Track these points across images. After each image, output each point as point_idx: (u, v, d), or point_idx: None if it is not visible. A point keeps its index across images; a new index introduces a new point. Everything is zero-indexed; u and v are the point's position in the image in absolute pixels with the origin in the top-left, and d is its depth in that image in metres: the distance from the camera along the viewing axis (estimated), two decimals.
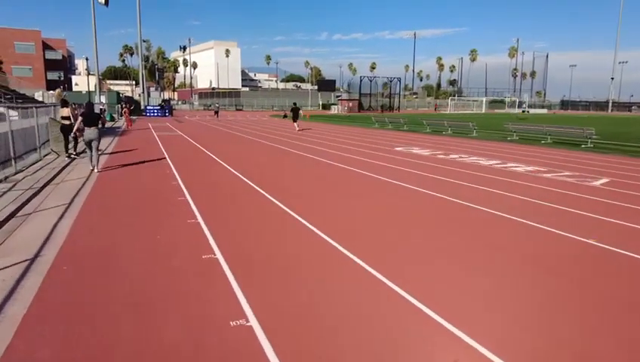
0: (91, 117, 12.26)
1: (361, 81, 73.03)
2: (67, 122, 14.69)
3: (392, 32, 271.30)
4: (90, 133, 12.02)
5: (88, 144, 12.25)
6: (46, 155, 14.59)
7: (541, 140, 22.21)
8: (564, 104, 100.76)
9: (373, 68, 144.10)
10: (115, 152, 16.36)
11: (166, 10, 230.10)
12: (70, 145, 14.94)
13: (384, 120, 33.04)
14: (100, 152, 14.54)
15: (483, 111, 71.69)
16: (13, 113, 22.40)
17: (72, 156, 14.83)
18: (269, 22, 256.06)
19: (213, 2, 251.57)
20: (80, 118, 13.11)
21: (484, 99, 75.90)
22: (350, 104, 76.22)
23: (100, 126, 12.80)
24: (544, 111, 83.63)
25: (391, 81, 75.18)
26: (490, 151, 17.83)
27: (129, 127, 29.20)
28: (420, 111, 78.60)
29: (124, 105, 30.35)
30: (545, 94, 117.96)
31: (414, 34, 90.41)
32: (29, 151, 13.34)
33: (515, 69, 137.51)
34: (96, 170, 12.12)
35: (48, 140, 14.88)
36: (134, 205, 8.22)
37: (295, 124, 27.31)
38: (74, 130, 13.85)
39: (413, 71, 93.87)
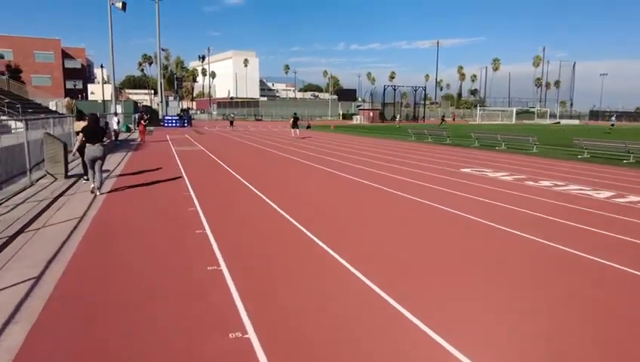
0: (94, 132, 10.18)
1: (384, 90, 69.83)
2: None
3: (409, 42, 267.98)
4: (93, 150, 10.04)
5: (91, 163, 10.20)
6: (40, 179, 11.67)
7: (622, 159, 18.68)
8: (594, 114, 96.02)
9: (392, 77, 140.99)
10: (124, 174, 13.40)
11: (186, 20, 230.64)
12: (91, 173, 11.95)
13: (423, 132, 29.74)
14: (107, 174, 11.66)
15: (513, 122, 67.79)
16: (18, 125, 19.51)
17: (85, 179, 12.00)
18: (286, 33, 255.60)
19: (232, 13, 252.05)
20: (80, 135, 10.36)
21: (513, 109, 71.97)
22: (371, 114, 73.19)
23: (104, 141, 10.32)
24: (576, 122, 79.28)
25: (415, 90, 71.85)
26: (587, 175, 14.42)
27: (143, 141, 26.44)
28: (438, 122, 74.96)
29: (140, 117, 27.49)
30: (572, 104, 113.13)
31: (437, 42, 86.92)
32: (15, 176, 10.40)
33: (539, 79, 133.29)
34: (98, 193, 10.11)
35: (43, 160, 11.94)
36: (139, 259, 5.11)
37: (294, 130, 30.46)
38: (73, 150, 11.05)
39: (436, 80, 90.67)
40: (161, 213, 8.40)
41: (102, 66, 48.54)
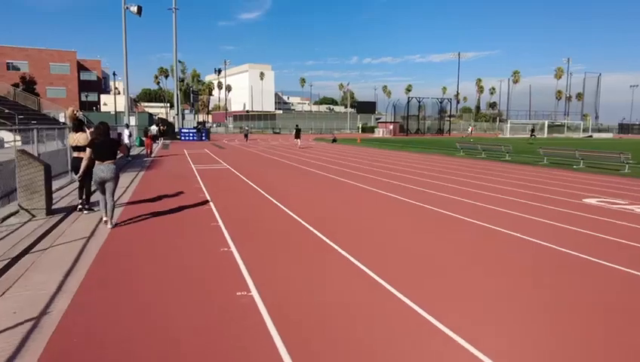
0: (105, 146, 7.63)
1: (408, 101, 65.97)
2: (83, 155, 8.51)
3: (422, 56, 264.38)
4: (103, 170, 7.51)
5: (100, 187, 7.64)
6: (9, 216, 7.93)
7: None
8: (624, 128, 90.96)
9: (408, 90, 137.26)
10: (133, 202, 9.59)
11: (201, 35, 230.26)
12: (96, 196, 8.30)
13: (476, 147, 25.69)
14: (115, 200, 8.00)
15: (545, 135, 63.33)
16: (12, 137, 15.76)
17: (85, 209, 8.93)
18: (300, 47, 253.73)
19: (246, 28, 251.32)
20: (89, 150, 7.78)
21: (545, 122, 67.45)
22: (391, 127, 69.32)
23: (118, 156, 7.76)
24: (609, 135, 74.48)
25: (441, 102, 67.89)
26: None
27: (149, 155, 22.89)
28: (464, 135, 70.69)
29: (145, 130, 23.86)
30: (597, 117, 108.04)
31: (458, 54, 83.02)
32: None
33: (560, 91, 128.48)
34: (110, 226, 7.70)
35: (14, 190, 8.21)
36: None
37: (297, 140, 33.25)
38: (81, 170, 8.14)
39: (457, 92, 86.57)
40: (185, 268, 4.54)
41: (114, 74, 45.41)
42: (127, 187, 12.38)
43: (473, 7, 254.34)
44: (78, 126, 9.16)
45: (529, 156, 24.49)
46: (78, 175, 8.51)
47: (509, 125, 64.61)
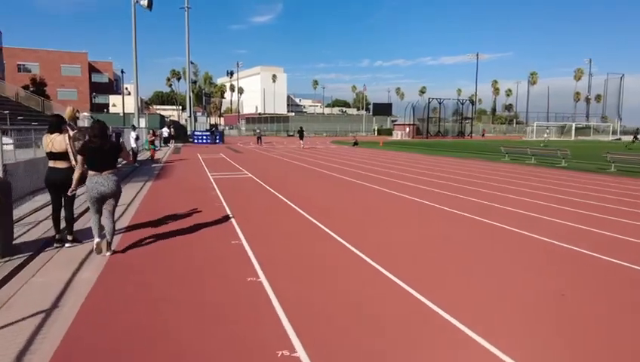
0: (102, 151, 5.60)
1: (429, 103, 62.80)
2: (62, 165, 6.20)
3: (434, 58, 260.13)
4: (102, 183, 5.54)
5: (97, 204, 5.66)
6: None
7: None
8: None
9: (422, 92, 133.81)
10: (135, 226, 6.71)
11: (212, 38, 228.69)
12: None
13: (525, 151, 22.56)
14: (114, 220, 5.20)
15: (572, 138, 59.77)
16: (6, 140, 12.97)
17: (67, 241, 6.28)
18: (311, 50, 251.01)
19: (258, 31, 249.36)
20: (80, 158, 5.69)
21: (572, 124, 63.83)
22: (407, 129, 66.35)
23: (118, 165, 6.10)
24: None
25: (462, 104, 64.63)
26: None
27: (152, 158, 20.30)
28: (490, 137, 67.35)
29: (153, 133, 21.17)
30: (620, 119, 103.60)
31: (477, 55, 79.70)
32: None
33: (578, 93, 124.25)
34: (108, 254, 5.66)
35: None
36: None
37: (301, 141, 34.95)
38: (74, 184, 5.78)
39: (476, 94, 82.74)
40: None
41: (122, 72, 42.90)
42: (130, 203, 9.58)
43: (485, 9, 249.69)
44: (55, 125, 6.34)
45: (589, 162, 21.35)
46: (70, 190, 5.82)
47: (535, 127, 61.03)
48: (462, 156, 26.28)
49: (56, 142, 6.09)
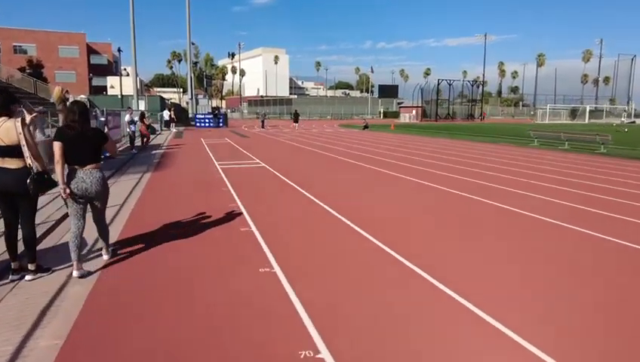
0: (83, 140, 4.37)
1: (438, 84, 60.26)
2: (14, 164, 4.15)
3: (437, 40, 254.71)
4: (85, 179, 4.35)
5: (79, 207, 4.44)
6: None
7: None
8: None
9: (427, 74, 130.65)
10: (129, 239, 4.78)
11: (214, 19, 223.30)
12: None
13: (558, 136, 20.42)
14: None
15: (586, 121, 57.36)
16: None
17: (28, 271, 4.33)
18: (313, 32, 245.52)
19: (259, 13, 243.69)
20: (58, 147, 4.22)
21: (586, 107, 61.27)
22: (413, 112, 64.05)
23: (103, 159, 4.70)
24: None
25: (472, 85, 62.09)
26: None
27: (144, 145, 18.29)
28: (498, 120, 65.02)
29: (142, 115, 19.05)
30: (628, 102, 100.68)
31: (485, 36, 76.50)
32: None
33: (586, 75, 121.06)
34: (106, 257, 4.81)
35: None
36: None
37: (295, 125, 35.68)
38: (60, 185, 4.25)
39: (483, 77, 79.50)
40: None
41: (119, 50, 40.44)
42: (122, 204, 7.65)
43: None
44: (6, 102, 4.32)
45: (632, 148, 19.31)
46: (63, 192, 4.30)
47: (548, 109, 58.57)
48: (487, 140, 24.21)
49: (3, 130, 4.11)
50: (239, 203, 7.73)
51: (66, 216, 6.39)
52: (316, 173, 11.59)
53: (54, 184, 4.34)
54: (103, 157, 4.78)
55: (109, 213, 6.80)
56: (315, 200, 8.00)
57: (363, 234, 5.81)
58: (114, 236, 5.72)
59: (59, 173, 4.21)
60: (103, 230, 4.72)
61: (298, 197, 8.28)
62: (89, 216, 4.58)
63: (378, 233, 5.83)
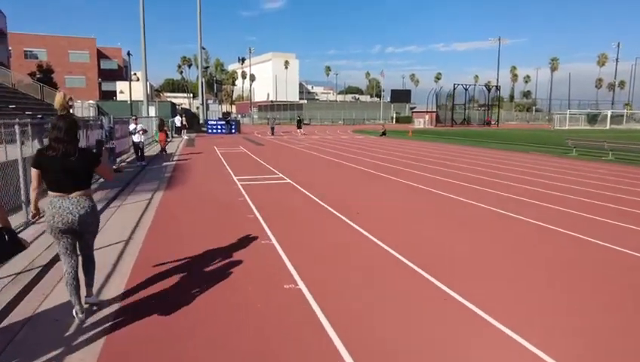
0: (67, 163, 3.52)
1: (454, 88, 58.45)
2: None
3: (446, 44, 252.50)
4: (70, 209, 3.52)
5: (67, 239, 3.63)
6: None
7: None
8: None
9: (438, 78, 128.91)
10: (135, 289, 3.22)
11: (223, 25, 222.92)
12: None
13: (600, 146, 18.57)
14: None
15: (607, 127, 55.16)
16: None
17: None
18: (322, 36, 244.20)
19: (268, 18, 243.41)
20: (35, 172, 3.57)
21: (608, 112, 59.00)
22: (426, 117, 62.30)
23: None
24: None
25: (489, 90, 60.20)
26: None
27: (162, 153, 16.98)
28: (512, 126, 62.99)
29: (161, 123, 17.74)
30: None
31: (499, 40, 74.55)
32: None
33: (600, 79, 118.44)
34: (87, 299, 3.90)
35: None
36: None
37: (299, 130, 35.55)
38: (32, 210, 3.79)
39: (497, 81, 77.10)
40: None
41: (129, 53, 39.21)
42: (129, 240, 6.07)
43: None
44: None
45: None
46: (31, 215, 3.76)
47: (568, 115, 56.42)
48: (516, 149, 22.45)
49: None
50: (272, 238, 6.14)
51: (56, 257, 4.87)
52: (353, 194, 9.95)
53: (18, 247, 2.92)
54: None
55: (110, 254, 5.26)
56: (368, 235, 6.37)
57: (467, 305, 4.17)
58: (118, 286, 4.15)
59: (32, 199, 3.71)
60: (90, 263, 3.89)
61: (344, 230, 6.66)
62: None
63: (476, 294, 4.18)
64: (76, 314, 3.63)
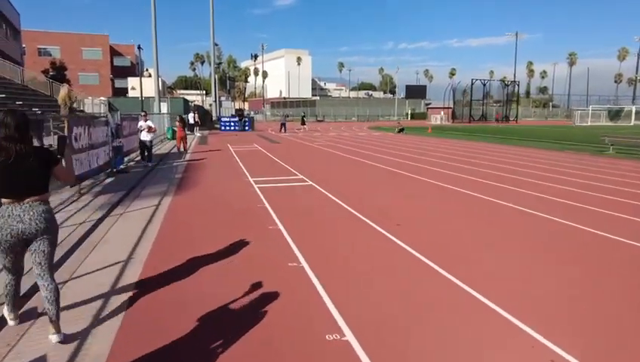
0: (19, 163, 2.95)
1: (472, 83, 56.68)
2: None
3: (460, 40, 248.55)
4: (21, 216, 2.98)
5: (11, 253, 3.08)
6: None
7: None
8: None
9: (452, 74, 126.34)
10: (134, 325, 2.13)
11: (234, 23, 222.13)
12: None
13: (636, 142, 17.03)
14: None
15: (632, 123, 52.85)
16: None
17: None
18: (334, 33, 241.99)
19: (279, 15, 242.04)
20: None
21: (632, 108, 56.56)
22: (442, 113, 60.75)
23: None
24: None
25: (507, 85, 58.29)
26: None
27: (181, 150, 15.98)
28: (531, 122, 60.98)
29: (181, 120, 16.83)
30: None
31: (516, 35, 72.30)
32: None
33: (620, 74, 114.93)
34: (55, 340, 3.05)
35: None
36: None
37: (304, 126, 36.89)
38: None
39: (515, 76, 74.65)
40: None
41: (139, 47, 38.28)
42: (128, 259, 4.95)
43: None
44: None
45: None
46: None
47: (590, 111, 54.22)
48: (547, 147, 21.00)
49: None
50: (301, 259, 4.97)
51: None
52: (382, 197, 8.74)
53: None
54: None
55: (108, 276, 4.15)
56: (410, 249, 5.16)
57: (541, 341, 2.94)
58: (108, 337, 3.02)
59: None
60: (52, 291, 3.10)
61: (384, 244, 5.47)
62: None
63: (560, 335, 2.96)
64: (9, 320, 3.33)
